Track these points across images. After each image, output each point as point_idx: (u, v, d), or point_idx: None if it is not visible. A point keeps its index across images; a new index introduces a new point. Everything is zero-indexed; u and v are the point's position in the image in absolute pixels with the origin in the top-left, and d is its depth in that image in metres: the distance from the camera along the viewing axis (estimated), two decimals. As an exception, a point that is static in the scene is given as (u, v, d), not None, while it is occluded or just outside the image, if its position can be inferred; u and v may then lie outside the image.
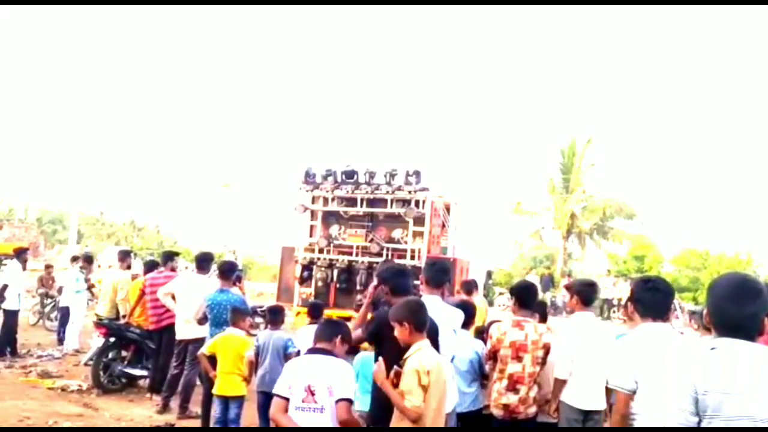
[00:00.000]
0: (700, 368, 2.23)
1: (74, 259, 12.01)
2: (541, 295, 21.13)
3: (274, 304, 8.82)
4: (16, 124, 75.51)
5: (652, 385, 3.06)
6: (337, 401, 3.41)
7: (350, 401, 3.48)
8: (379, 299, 7.44)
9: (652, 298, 3.35)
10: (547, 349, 4.60)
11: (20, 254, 10.64)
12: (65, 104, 78.41)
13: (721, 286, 2.42)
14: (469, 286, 8.14)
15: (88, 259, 11.86)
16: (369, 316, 7.30)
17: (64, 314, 11.08)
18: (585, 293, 4.84)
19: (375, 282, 4.29)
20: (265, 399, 6.16)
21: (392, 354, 3.53)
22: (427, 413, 3.31)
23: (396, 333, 3.49)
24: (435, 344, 3.67)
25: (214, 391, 5.98)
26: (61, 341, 10.81)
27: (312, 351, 3.64)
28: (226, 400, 5.94)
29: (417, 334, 3.45)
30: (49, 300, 13.19)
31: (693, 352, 2.39)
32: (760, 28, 59.23)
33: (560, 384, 4.59)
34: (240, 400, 6.02)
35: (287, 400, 3.45)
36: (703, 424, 2.18)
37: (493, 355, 4.71)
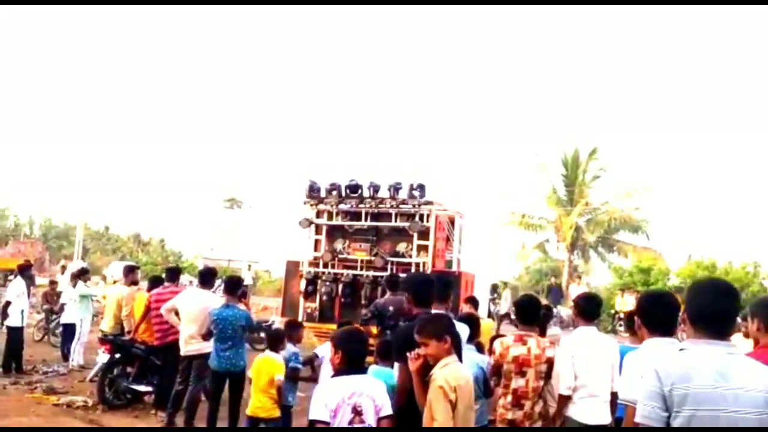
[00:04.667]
0: (665, 368, 2.42)
1: (74, 277, 12.02)
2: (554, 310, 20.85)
3: (290, 319, 8.84)
4: (22, 139, 76.02)
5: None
6: (382, 418, 3.40)
7: (391, 416, 3.47)
8: (384, 314, 7.46)
9: (660, 314, 3.35)
10: (550, 364, 4.57)
11: (24, 270, 10.66)
12: (70, 118, 79.01)
13: (701, 285, 2.67)
14: (475, 301, 8.12)
15: (85, 272, 11.91)
16: (374, 330, 7.34)
17: (67, 331, 11.09)
18: (584, 307, 4.82)
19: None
20: None
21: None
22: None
23: (428, 349, 3.46)
24: (459, 356, 3.69)
25: (247, 411, 5.99)
26: (65, 358, 10.80)
27: (345, 372, 3.52)
28: (256, 421, 5.91)
29: (452, 350, 3.46)
30: (54, 316, 13.21)
31: (664, 356, 2.57)
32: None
33: (563, 399, 4.57)
34: (274, 421, 5.99)
35: (328, 424, 3.33)
36: (671, 417, 2.38)
37: (497, 371, 4.69)
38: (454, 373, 3.38)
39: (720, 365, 2.38)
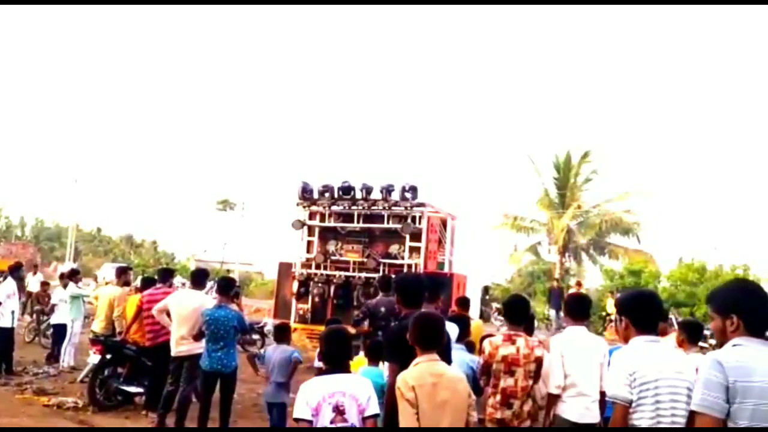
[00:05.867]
0: (729, 361, 2.56)
1: (62, 277, 11.98)
2: (553, 313, 20.46)
3: (281, 321, 8.88)
4: (14, 140, 75.62)
5: (650, 397, 3.09)
6: (367, 418, 3.39)
7: (377, 416, 3.46)
8: (376, 314, 7.49)
9: (649, 313, 3.39)
10: (539, 363, 4.62)
11: (15, 271, 10.60)
12: (63, 119, 78.64)
13: (752, 288, 2.82)
14: (465, 302, 8.16)
15: (75, 273, 11.86)
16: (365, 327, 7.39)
17: (57, 332, 11.05)
18: (574, 307, 4.89)
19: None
20: (271, 409, 6.38)
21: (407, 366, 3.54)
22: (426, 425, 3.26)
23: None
24: (446, 356, 3.67)
25: None
26: (56, 359, 10.75)
27: (328, 371, 3.55)
28: None
29: (417, 349, 3.43)
30: (45, 317, 13.14)
31: (723, 350, 2.70)
32: (760, 38, 59.79)
33: (552, 398, 4.62)
34: None
35: (311, 422, 3.33)
36: (734, 408, 2.52)
37: (487, 370, 4.72)
38: (418, 372, 3.34)
39: None
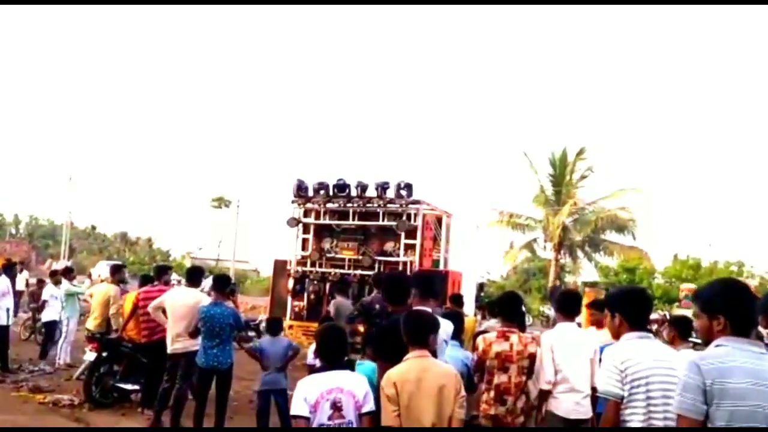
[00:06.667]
0: (706, 363, 2.56)
1: (53, 274, 11.95)
2: (550, 311, 20.67)
3: (272, 316, 8.98)
4: (8, 138, 75.31)
5: (641, 393, 3.12)
6: (363, 415, 3.39)
7: (374, 413, 3.46)
8: (371, 311, 7.52)
9: (640, 309, 3.43)
10: (532, 359, 4.65)
11: (8, 269, 10.56)
12: (58, 117, 78.39)
13: (739, 288, 2.79)
14: (459, 299, 8.20)
15: (70, 270, 11.83)
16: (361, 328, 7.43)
17: (47, 328, 11.02)
18: (563, 303, 4.93)
19: None
20: (269, 398, 6.60)
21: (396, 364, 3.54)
22: (409, 422, 3.27)
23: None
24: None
25: None
26: (52, 357, 10.72)
27: (324, 368, 3.56)
28: None
29: (409, 346, 3.45)
30: (40, 315, 13.08)
31: (703, 352, 2.70)
32: (753, 36, 59.99)
33: (543, 394, 4.65)
34: None
35: (308, 420, 3.33)
36: (711, 410, 2.51)
37: (480, 367, 4.75)
38: (402, 368, 3.35)
39: (756, 363, 2.54)
